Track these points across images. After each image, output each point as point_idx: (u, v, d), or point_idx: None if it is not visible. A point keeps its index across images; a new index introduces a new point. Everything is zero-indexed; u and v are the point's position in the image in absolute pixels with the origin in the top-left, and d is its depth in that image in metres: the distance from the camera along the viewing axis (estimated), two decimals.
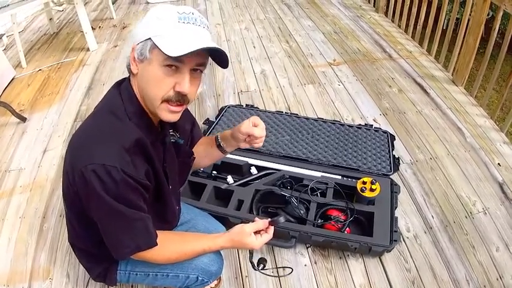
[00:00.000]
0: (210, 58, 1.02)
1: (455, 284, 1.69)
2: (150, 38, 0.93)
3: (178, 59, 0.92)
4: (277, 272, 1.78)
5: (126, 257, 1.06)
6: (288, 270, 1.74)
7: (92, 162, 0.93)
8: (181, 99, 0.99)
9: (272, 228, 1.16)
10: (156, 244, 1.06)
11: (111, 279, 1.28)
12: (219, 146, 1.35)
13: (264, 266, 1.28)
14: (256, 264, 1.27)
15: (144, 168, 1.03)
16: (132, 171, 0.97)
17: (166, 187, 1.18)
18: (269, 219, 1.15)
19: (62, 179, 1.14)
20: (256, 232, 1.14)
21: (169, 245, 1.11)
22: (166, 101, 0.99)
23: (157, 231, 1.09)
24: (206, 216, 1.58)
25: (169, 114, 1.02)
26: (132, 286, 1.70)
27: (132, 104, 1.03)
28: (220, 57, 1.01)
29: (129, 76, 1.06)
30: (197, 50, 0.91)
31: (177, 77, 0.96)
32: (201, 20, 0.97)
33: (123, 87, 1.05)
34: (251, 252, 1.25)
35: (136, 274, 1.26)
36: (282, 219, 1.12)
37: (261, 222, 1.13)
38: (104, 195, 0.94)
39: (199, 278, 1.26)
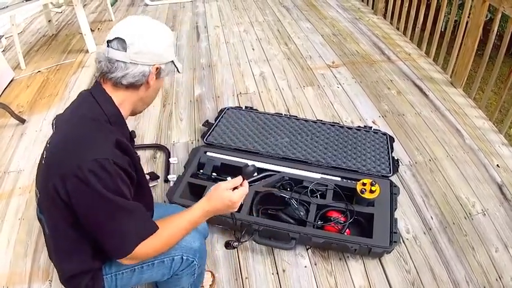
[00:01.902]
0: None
1: (454, 285, 1.70)
2: (173, 61, 1.17)
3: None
4: (277, 272, 1.78)
5: (130, 251, 1.04)
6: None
7: (83, 161, 0.96)
8: None
9: (246, 182, 1.21)
10: (157, 228, 1.08)
11: (99, 287, 1.24)
12: None
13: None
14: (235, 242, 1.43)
15: (129, 162, 1.09)
16: (123, 163, 1.04)
17: (144, 179, 1.24)
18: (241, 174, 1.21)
19: (40, 203, 1.11)
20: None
21: (157, 235, 1.09)
22: None
23: None
24: (176, 207, 1.58)
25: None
26: None
27: (111, 107, 1.12)
28: None
29: (97, 84, 1.14)
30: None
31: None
32: None
33: (95, 93, 1.12)
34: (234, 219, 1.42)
35: (123, 273, 1.22)
36: (250, 167, 1.20)
37: (236, 179, 1.20)
38: (102, 191, 0.97)
39: (183, 257, 1.24)
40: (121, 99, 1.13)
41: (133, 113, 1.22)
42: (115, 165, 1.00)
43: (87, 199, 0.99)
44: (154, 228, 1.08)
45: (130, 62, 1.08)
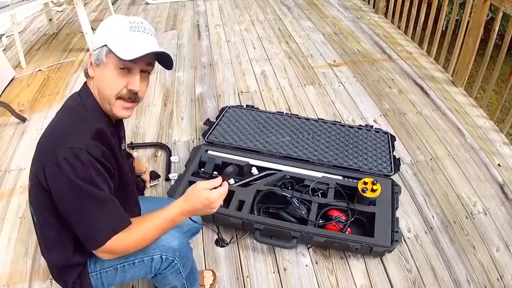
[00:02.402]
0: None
1: (456, 284, 1.69)
2: (106, 45, 1.09)
3: (131, 62, 1.09)
4: (278, 271, 1.78)
5: (103, 242, 1.04)
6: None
7: (59, 148, 1.01)
8: (132, 96, 1.16)
9: (226, 182, 1.18)
10: (130, 222, 1.09)
11: (87, 285, 1.24)
12: None
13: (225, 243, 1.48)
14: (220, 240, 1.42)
15: (107, 154, 1.10)
16: (98, 153, 1.05)
17: (126, 175, 1.26)
18: (221, 175, 1.19)
19: (30, 193, 1.16)
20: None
21: (132, 230, 1.10)
22: (120, 98, 1.15)
23: None
24: (167, 200, 1.60)
25: (123, 111, 1.18)
26: None
27: (89, 99, 1.16)
28: (165, 61, 1.21)
29: (86, 80, 1.20)
30: (147, 54, 1.09)
31: (129, 78, 1.13)
32: (149, 28, 1.16)
33: (81, 89, 1.20)
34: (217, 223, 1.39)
35: (107, 272, 1.23)
36: (230, 168, 1.18)
37: (215, 180, 1.17)
38: (73, 179, 1.00)
39: (162, 256, 1.22)
40: (91, 88, 1.17)
41: (106, 109, 1.19)
42: (89, 155, 1.02)
43: (61, 186, 1.02)
44: (126, 222, 1.09)
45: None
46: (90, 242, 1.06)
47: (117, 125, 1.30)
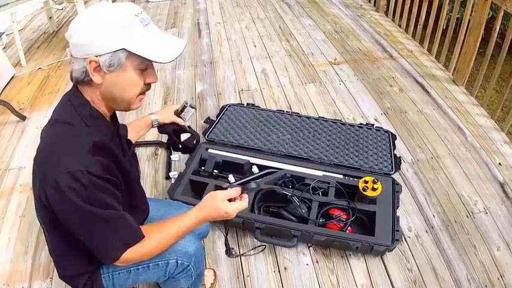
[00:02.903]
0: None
1: (456, 284, 1.69)
2: (124, 48, 0.97)
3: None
4: (279, 270, 1.78)
5: (117, 257, 1.04)
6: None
7: (58, 174, 0.93)
8: (148, 87, 1.10)
9: (246, 196, 1.16)
10: (142, 236, 1.06)
11: (98, 286, 1.24)
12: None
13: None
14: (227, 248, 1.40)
15: (109, 166, 1.03)
16: (98, 170, 0.98)
17: (132, 174, 1.20)
18: (241, 186, 1.15)
19: (35, 204, 1.11)
20: (230, 200, 1.14)
21: (148, 238, 1.09)
22: (140, 93, 1.08)
23: None
24: (178, 205, 1.58)
25: (139, 103, 1.12)
26: None
27: (85, 108, 1.05)
28: None
29: (74, 86, 1.06)
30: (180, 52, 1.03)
31: (146, 73, 1.05)
32: (147, 15, 1.04)
33: (71, 96, 1.07)
34: (226, 229, 1.26)
35: (119, 273, 1.23)
36: (253, 184, 1.14)
37: (233, 190, 1.14)
38: (77, 202, 0.94)
39: (178, 261, 1.23)
40: (89, 96, 1.05)
41: (113, 109, 1.13)
42: (89, 174, 0.95)
43: (64, 209, 0.97)
44: (138, 236, 1.06)
45: (72, 56, 1.01)
46: (104, 258, 1.05)
47: (115, 121, 1.21)
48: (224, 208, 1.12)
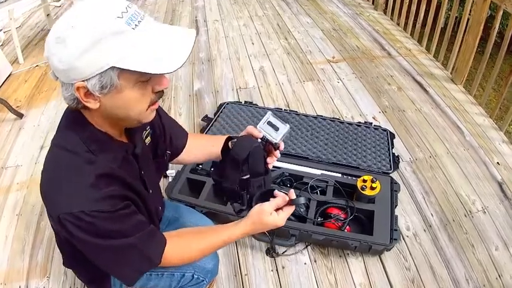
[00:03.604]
0: None
1: (454, 283, 1.69)
2: (113, 67, 0.78)
3: None
4: (277, 269, 1.77)
5: (135, 281, 1.01)
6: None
7: (60, 212, 0.86)
8: (161, 94, 0.93)
9: (293, 206, 1.11)
10: (160, 262, 1.00)
11: (105, 285, 1.24)
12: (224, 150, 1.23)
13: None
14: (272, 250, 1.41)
15: (119, 192, 0.94)
16: (105, 205, 0.88)
17: (144, 194, 1.07)
18: (287, 197, 1.09)
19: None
20: (277, 209, 1.09)
21: (186, 246, 1.06)
22: (150, 105, 0.92)
23: (172, 232, 1.06)
24: (192, 212, 1.56)
25: (153, 113, 0.95)
26: None
27: (85, 132, 0.92)
28: None
29: (74, 108, 0.91)
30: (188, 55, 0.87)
31: (153, 81, 0.88)
32: (139, 10, 0.85)
33: (71, 118, 0.94)
34: (273, 233, 1.26)
35: None
36: (302, 199, 1.09)
37: (280, 199, 1.07)
38: (84, 237, 0.88)
39: (194, 275, 1.23)
40: (90, 118, 0.92)
41: (123, 126, 1.00)
42: (94, 212, 0.86)
43: (75, 241, 0.91)
44: (154, 263, 1.00)
45: (58, 79, 0.85)
46: (121, 281, 1.04)
47: (132, 136, 1.06)
48: (273, 222, 1.06)
